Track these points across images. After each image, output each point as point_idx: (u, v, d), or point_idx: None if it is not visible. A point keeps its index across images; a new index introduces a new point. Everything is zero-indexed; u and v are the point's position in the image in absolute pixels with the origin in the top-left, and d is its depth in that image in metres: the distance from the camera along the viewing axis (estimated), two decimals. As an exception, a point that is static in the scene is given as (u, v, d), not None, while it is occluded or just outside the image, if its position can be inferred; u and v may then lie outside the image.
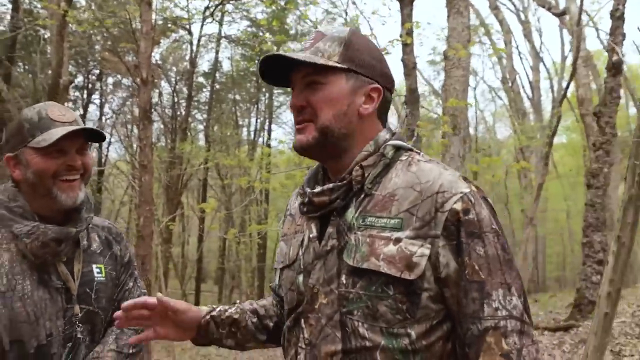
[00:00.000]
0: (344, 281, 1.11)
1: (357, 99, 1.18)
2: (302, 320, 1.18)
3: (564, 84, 18.92)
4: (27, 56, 15.54)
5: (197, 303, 19.73)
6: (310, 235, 1.21)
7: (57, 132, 1.45)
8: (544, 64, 24.02)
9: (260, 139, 21.85)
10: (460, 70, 7.42)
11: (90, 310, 1.54)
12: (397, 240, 1.08)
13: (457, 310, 1.07)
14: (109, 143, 21.85)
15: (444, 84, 7.87)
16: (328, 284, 1.13)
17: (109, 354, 1.58)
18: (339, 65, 1.16)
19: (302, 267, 1.20)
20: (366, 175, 1.17)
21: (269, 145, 21.22)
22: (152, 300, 1.25)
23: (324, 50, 1.17)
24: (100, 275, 1.59)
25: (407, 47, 6.58)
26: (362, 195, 1.16)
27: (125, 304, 1.25)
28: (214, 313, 1.36)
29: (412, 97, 6.44)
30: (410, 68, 6.53)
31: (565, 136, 24.18)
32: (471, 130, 22.24)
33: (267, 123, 21.60)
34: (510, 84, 17.75)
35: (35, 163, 1.47)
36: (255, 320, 1.39)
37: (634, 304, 8.02)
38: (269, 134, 21.71)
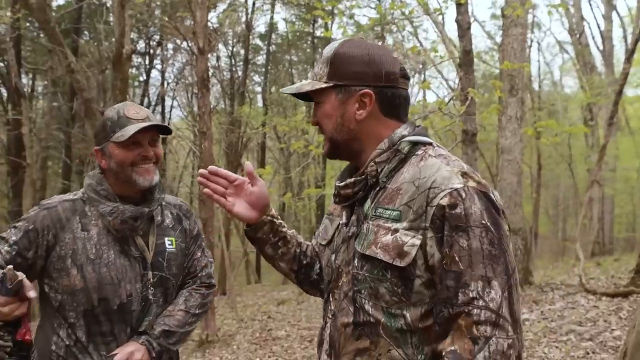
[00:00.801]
0: (356, 264, 1.28)
1: (349, 108, 1.31)
2: (331, 295, 1.37)
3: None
4: (91, 26, 16.19)
5: (258, 263, 20.54)
6: (341, 222, 1.39)
7: (132, 128, 1.75)
8: (617, 12, 22.39)
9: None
10: (519, 28, 7.16)
11: (163, 276, 1.84)
12: (395, 231, 1.21)
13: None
14: (171, 107, 22.63)
15: (502, 43, 7.61)
16: (347, 265, 1.31)
17: (179, 312, 1.90)
18: (323, 85, 1.32)
19: (335, 247, 1.39)
20: (379, 170, 1.29)
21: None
22: (233, 175, 1.46)
23: (317, 74, 1.34)
24: (171, 246, 1.88)
25: (461, 7, 6.40)
26: (378, 188, 1.30)
27: (211, 167, 1.48)
28: (275, 220, 1.52)
29: (467, 59, 6.30)
30: (464, 29, 6.37)
31: (639, 89, 22.65)
32: (535, 86, 21.30)
33: (323, 84, 21.52)
34: (578, 36, 16.76)
35: (116, 155, 1.78)
36: (297, 250, 1.56)
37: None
38: (326, 95, 21.67)
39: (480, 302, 1.12)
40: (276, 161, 21.90)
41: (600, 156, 7.51)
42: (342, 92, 1.31)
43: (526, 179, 17.41)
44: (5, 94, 19.59)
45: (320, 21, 19.56)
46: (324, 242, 1.48)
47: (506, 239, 1.19)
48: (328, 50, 1.34)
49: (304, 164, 12.31)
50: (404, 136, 1.31)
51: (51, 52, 12.31)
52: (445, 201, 1.16)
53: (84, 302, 1.72)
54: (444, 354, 1.15)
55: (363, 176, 1.31)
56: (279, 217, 1.54)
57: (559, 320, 5.91)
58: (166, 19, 15.44)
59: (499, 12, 18.93)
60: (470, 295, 1.13)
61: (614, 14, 18.44)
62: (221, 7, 16.90)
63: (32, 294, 1.49)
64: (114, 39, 13.81)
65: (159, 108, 20.98)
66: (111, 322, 1.74)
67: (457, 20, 6.35)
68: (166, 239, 1.88)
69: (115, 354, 1.71)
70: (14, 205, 16.09)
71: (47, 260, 1.74)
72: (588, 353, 4.79)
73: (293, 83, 22.16)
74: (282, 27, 23.98)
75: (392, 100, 1.32)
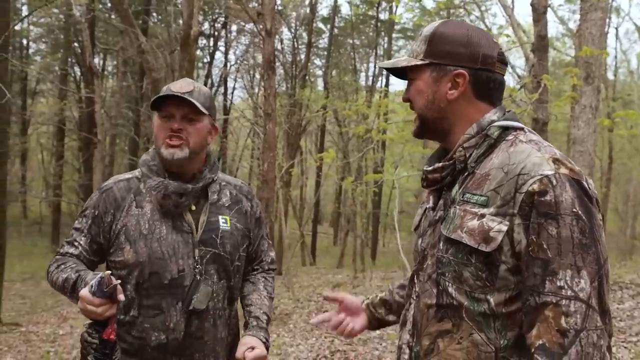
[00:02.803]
0: (441, 247, 1.27)
1: (442, 87, 1.31)
2: (416, 277, 1.38)
3: None
4: (160, 8, 16.66)
5: (314, 245, 20.75)
6: (427, 206, 1.40)
7: (165, 98, 1.76)
8: None
9: (378, 84, 21.71)
10: (599, 13, 6.78)
11: (216, 252, 1.81)
12: (481, 216, 1.20)
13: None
14: (234, 88, 23.05)
15: (579, 28, 7.24)
16: (433, 248, 1.31)
17: (267, 299, 1.97)
18: (419, 62, 1.33)
19: (421, 231, 1.40)
20: (468, 155, 1.28)
21: (386, 90, 21.07)
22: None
23: (413, 51, 1.36)
24: (225, 224, 1.86)
25: (538, -10, 6.13)
26: (466, 173, 1.28)
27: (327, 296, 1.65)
28: (367, 301, 1.64)
29: (541, 44, 6.05)
30: (540, 13, 6.11)
31: None
32: (610, 75, 20.21)
33: (385, 68, 21.28)
34: (660, 22, 15.68)
35: (155, 127, 1.81)
36: (402, 292, 1.62)
37: None
38: (387, 79, 21.46)
39: (569, 292, 1.10)
40: (335, 145, 21.94)
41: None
42: (436, 71, 1.31)
43: (596, 172, 16.65)
44: (78, 73, 20.58)
45: (384, 4, 19.28)
46: (413, 228, 1.49)
47: (598, 228, 1.15)
48: (428, 29, 1.35)
49: (365, 150, 12.25)
50: (493, 121, 1.29)
51: (123, 32, 12.78)
52: (534, 188, 1.14)
53: (136, 276, 1.74)
54: (532, 350, 1.13)
55: (451, 161, 1.30)
56: (375, 301, 1.67)
57: (629, 320, 5.67)
58: (231, 1, 15.68)
59: (573, -4, 18.00)
60: (558, 284, 1.11)
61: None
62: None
63: (121, 297, 1.55)
64: (180, 21, 14.21)
65: (221, 89, 21.45)
66: (161, 296, 1.74)
67: (532, 4, 6.09)
68: (220, 217, 1.86)
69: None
70: (85, 179, 16.96)
71: (110, 241, 1.79)
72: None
73: (355, 68, 22.18)
74: (345, 10, 23.81)
75: (487, 84, 1.30)
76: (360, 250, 15.99)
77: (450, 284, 1.24)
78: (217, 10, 18.82)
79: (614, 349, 4.89)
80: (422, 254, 1.35)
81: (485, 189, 1.22)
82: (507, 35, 7.18)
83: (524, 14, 31.55)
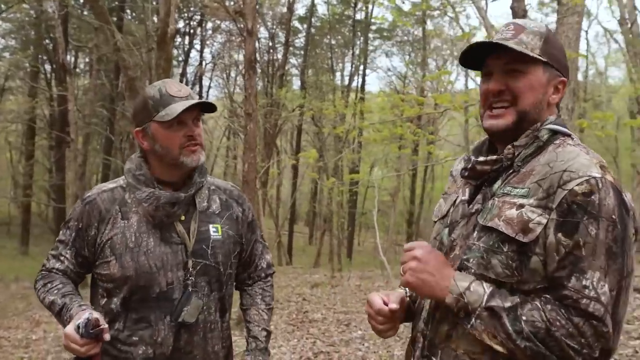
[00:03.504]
0: (475, 235, 1.27)
1: (549, 90, 1.31)
2: None
3: (694, 25, 16.88)
4: (135, 5, 16.38)
5: (290, 244, 20.71)
6: (462, 198, 1.37)
7: (177, 107, 1.65)
8: (671, 1, 21.38)
9: (354, 84, 21.80)
10: (575, 17, 6.93)
11: (207, 264, 1.73)
12: (521, 206, 1.20)
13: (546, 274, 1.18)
14: (209, 87, 22.85)
15: (556, 32, 7.39)
16: (465, 239, 1.30)
17: (265, 312, 1.92)
18: (541, 58, 1.28)
19: (449, 222, 1.38)
20: (517, 153, 1.28)
21: (363, 90, 21.17)
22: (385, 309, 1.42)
23: (527, 43, 1.28)
24: (216, 233, 1.76)
25: (518, -6, 6.23)
26: (511, 171, 1.29)
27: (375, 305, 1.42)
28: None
29: (520, 47, 6.14)
30: (520, 16, 6.20)
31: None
32: (579, 77, 20.69)
33: (361, 67, 21.41)
34: (629, 26, 16.15)
35: (162, 137, 1.68)
36: None
37: None
38: (364, 79, 21.57)
39: (592, 293, 1.12)
40: (311, 144, 21.94)
41: (653, 151, 7.26)
42: (548, 72, 1.30)
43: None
44: (49, 70, 20.09)
45: (360, 4, 19.37)
46: (435, 219, 1.48)
47: (630, 241, 1.17)
48: (537, 26, 1.31)
49: (345, 150, 12.27)
50: (547, 123, 1.30)
51: (97, 30, 12.52)
52: (581, 188, 1.15)
53: (123, 290, 1.68)
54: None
55: (501, 156, 1.30)
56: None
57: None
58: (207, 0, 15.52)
59: (547, 0, 18.36)
60: (584, 282, 1.13)
61: (667, 3, 17.67)
62: (262, -12, 16.88)
63: (107, 337, 1.53)
64: (156, 18, 13.99)
65: (196, 88, 21.22)
66: (149, 310, 1.68)
67: (512, 7, 6.19)
68: (211, 225, 1.77)
69: None
70: (56, 179, 16.59)
71: (95, 254, 1.73)
72: (637, 352, 4.70)
73: (332, 67, 22.15)
74: (321, 9, 23.82)
75: (563, 95, 1.34)
76: (337, 249, 16.03)
77: (473, 270, 1.24)
78: (192, 8, 18.61)
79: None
80: (450, 245, 1.34)
81: (527, 183, 1.22)
82: (490, 38, 7.29)
83: (496, 16, 32.15)
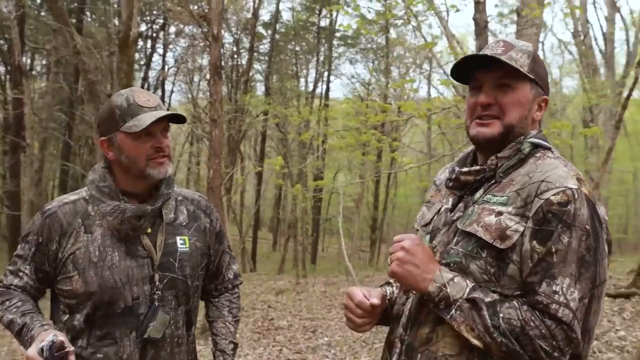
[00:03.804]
0: (453, 240, 1.31)
1: (534, 107, 1.36)
2: None
3: (642, 38, 17.71)
4: (95, 7, 16.02)
5: (254, 251, 20.56)
6: (446, 207, 1.41)
7: (145, 118, 1.61)
8: (621, 15, 22.42)
9: (318, 90, 21.88)
10: (534, 29, 7.16)
11: (174, 277, 1.69)
12: (499, 213, 1.24)
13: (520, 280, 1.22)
14: (171, 92, 22.51)
15: (515, 43, 7.62)
16: (445, 245, 1.33)
17: (232, 324, 1.90)
18: (530, 75, 1.33)
19: (431, 229, 1.41)
20: (499, 165, 1.32)
21: (327, 96, 21.27)
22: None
23: (516, 59, 1.32)
24: (183, 246, 1.73)
25: (479, 5, 6.41)
26: (493, 182, 1.33)
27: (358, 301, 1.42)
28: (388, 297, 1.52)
29: (482, 58, 6.31)
30: (481, 27, 6.38)
31: (637, 92, 22.78)
32: (536, 86, 21.28)
33: (326, 74, 21.51)
34: (582, 38, 16.80)
35: (129, 148, 1.64)
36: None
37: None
38: (328, 85, 21.67)
39: (562, 299, 1.16)
40: (275, 150, 21.88)
41: (607, 159, 7.59)
42: (534, 89, 1.35)
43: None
44: (2, 72, 19.38)
45: (325, 11, 19.49)
46: (417, 226, 1.51)
47: (602, 252, 1.21)
48: (525, 45, 1.36)
49: (311, 156, 12.28)
50: (530, 137, 1.34)
51: (56, 31, 12.17)
52: (557, 198, 1.20)
53: (86, 307, 1.63)
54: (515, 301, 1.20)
55: (484, 167, 1.34)
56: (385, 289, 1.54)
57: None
58: (170, 3, 15.31)
59: (506, 11, 18.92)
60: (554, 288, 1.17)
61: (617, 16, 18.49)
62: (227, -7, 16.76)
63: (72, 359, 1.49)
64: (116, 20, 13.70)
65: (158, 92, 20.86)
66: (114, 326, 1.63)
67: (474, 19, 6.36)
68: (178, 238, 1.73)
69: None
70: (11, 185, 15.98)
71: (57, 269, 1.66)
72: (595, 352, 4.87)
73: (297, 73, 22.12)
74: (286, 16, 23.84)
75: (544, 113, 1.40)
76: (301, 255, 16.01)
77: None
78: (155, 11, 18.33)
79: None
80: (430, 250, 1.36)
81: (507, 192, 1.27)
82: (432, 45, 7.37)
83: (457, 26, 32.96)
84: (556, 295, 1.16)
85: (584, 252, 1.18)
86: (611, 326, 5.54)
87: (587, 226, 1.19)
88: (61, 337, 1.49)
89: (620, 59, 21.20)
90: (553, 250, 1.18)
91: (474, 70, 1.36)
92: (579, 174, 1.27)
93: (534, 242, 1.19)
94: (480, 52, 1.35)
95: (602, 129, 12.11)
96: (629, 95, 7.42)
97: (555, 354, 1.16)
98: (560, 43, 22.41)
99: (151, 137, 1.64)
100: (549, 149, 1.34)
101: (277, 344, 6.69)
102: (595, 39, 18.99)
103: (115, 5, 13.17)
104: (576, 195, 1.20)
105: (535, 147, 1.33)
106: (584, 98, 16.08)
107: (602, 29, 19.17)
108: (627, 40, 18.79)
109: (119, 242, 1.65)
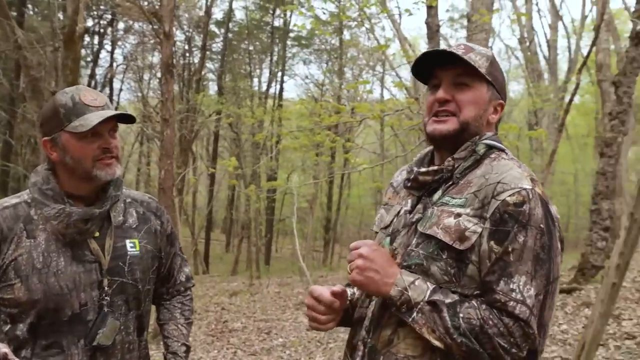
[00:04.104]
0: (414, 242, 1.33)
1: (489, 108, 1.40)
2: None
3: (582, 44, 18.61)
4: (37, 0, 15.38)
5: (206, 252, 20.26)
6: (405, 208, 1.42)
7: (92, 117, 1.55)
8: (563, 23, 23.49)
9: (272, 90, 21.81)
10: (483, 34, 7.38)
11: (124, 281, 1.64)
12: (458, 215, 1.27)
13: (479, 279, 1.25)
14: (120, 90, 21.89)
15: (464, 47, 7.83)
16: (405, 247, 1.35)
17: (184, 326, 1.85)
18: (487, 77, 1.37)
19: (391, 231, 1.42)
20: (456, 166, 1.35)
21: (281, 97, 21.22)
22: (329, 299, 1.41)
23: (475, 61, 1.35)
24: (133, 249, 1.68)
25: (432, 9, 6.55)
26: (450, 183, 1.35)
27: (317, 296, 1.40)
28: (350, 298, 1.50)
29: (434, 61, 6.45)
30: (433, 31, 6.52)
31: (578, 97, 23.89)
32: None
33: (279, 74, 21.46)
34: (527, 44, 17.48)
35: (74, 149, 1.57)
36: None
37: (634, 269, 8.26)
38: (282, 86, 21.62)
39: (519, 296, 1.20)
40: (228, 150, 21.65)
41: (550, 161, 7.91)
42: (491, 91, 1.38)
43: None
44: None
45: (279, 11, 19.44)
46: (377, 229, 1.51)
47: (555, 249, 1.26)
48: (484, 49, 1.40)
49: (266, 156, 12.20)
50: (485, 138, 1.37)
51: (-4, 25, 11.60)
52: (513, 199, 1.23)
53: (30, 315, 1.54)
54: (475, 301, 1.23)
55: (442, 166, 1.36)
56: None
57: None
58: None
59: (457, 16, 19.43)
60: (511, 286, 1.21)
61: (559, 24, 19.33)
62: (178, -10, 16.45)
63: None
64: (61, 15, 13.19)
65: (106, 90, 20.25)
66: (60, 334, 1.56)
67: (427, 22, 6.49)
68: (128, 241, 1.67)
69: None
70: (-54, 186, 15.12)
71: None
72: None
73: (250, 73, 21.93)
74: (239, 15, 23.63)
75: (500, 117, 1.43)
76: (255, 256, 15.90)
77: None
78: (103, 6, 17.78)
79: None
80: (391, 253, 1.37)
81: (465, 193, 1.30)
82: (385, 47, 7.52)
83: (410, 29, 33.63)
84: (513, 293, 1.20)
85: (538, 250, 1.23)
86: (554, 320, 5.78)
87: (541, 225, 1.23)
88: (3, 348, 1.43)
89: (563, 65, 22.23)
90: (510, 249, 1.22)
91: (433, 69, 1.39)
92: (533, 174, 1.32)
93: (492, 242, 1.23)
94: (452, 50, 1.36)
95: (546, 132, 12.64)
96: (571, 100, 7.76)
97: (513, 350, 1.19)
98: (507, 48, 23.23)
99: (98, 138, 1.58)
100: (503, 150, 1.38)
101: (231, 347, 6.61)
102: (540, 46, 19.85)
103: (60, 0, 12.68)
104: (530, 196, 1.24)
105: (490, 148, 1.37)
106: (529, 102, 16.74)
107: (546, 36, 20.00)
108: (569, 48, 19.68)
109: (65, 247, 1.58)
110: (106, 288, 1.60)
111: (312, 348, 6.10)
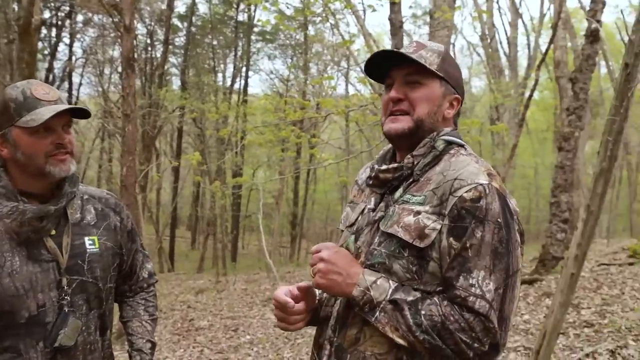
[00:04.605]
0: (376, 241, 1.33)
1: (444, 104, 1.39)
2: None
3: (541, 41, 19.10)
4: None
5: (172, 250, 19.96)
6: (369, 206, 1.43)
7: (44, 112, 1.50)
8: (522, 20, 24.04)
9: (237, 85, 21.60)
10: (445, 30, 7.48)
11: (84, 280, 1.60)
12: (417, 213, 1.28)
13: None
14: (80, 84, 21.29)
15: (428, 43, 7.92)
16: (368, 246, 1.35)
17: (149, 322, 1.81)
18: (438, 73, 1.37)
19: (355, 229, 1.42)
20: (416, 163, 1.36)
21: (245, 92, 21.05)
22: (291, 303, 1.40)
23: (426, 58, 1.37)
24: (92, 246, 1.64)
25: (395, 6, 6.60)
26: (411, 180, 1.36)
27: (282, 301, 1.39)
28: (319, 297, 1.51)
29: (398, 57, 6.51)
30: (397, 27, 6.57)
31: (537, 93, 24.54)
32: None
33: (244, 69, 21.27)
34: (489, 41, 17.83)
35: (25, 144, 1.52)
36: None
37: (592, 259, 8.56)
38: (246, 81, 21.44)
39: (478, 291, 1.22)
40: (192, 146, 21.35)
41: (511, 155, 8.09)
42: (444, 87, 1.38)
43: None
44: None
45: (242, 6, 19.26)
46: (342, 227, 1.51)
47: (514, 242, 1.27)
48: (436, 45, 1.40)
49: (230, 152, 12.09)
50: (444, 134, 1.38)
51: (-55, 16, 11.10)
52: (469, 195, 1.24)
53: None
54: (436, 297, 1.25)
55: (402, 164, 1.37)
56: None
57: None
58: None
59: (419, 13, 19.64)
60: (470, 281, 1.22)
61: (519, 22, 19.79)
62: (139, -18, 16.08)
63: None
64: (15, 6, 12.71)
65: (65, 85, 19.67)
66: (17, 337, 1.50)
67: (390, 19, 6.53)
68: (86, 238, 1.63)
69: None
70: None
71: None
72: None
73: (214, 68, 21.66)
74: (202, 8, 23.27)
75: (459, 112, 1.44)
76: (221, 253, 15.77)
77: None
78: (60, -1, 17.23)
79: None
80: (356, 252, 1.37)
81: (424, 191, 1.30)
82: (350, 42, 7.57)
83: (374, 25, 33.86)
84: (472, 288, 1.21)
85: (496, 244, 1.24)
86: (517, 310, 5.93)
87: (498, 219, 1.25)
88: None
89: (523, 61, 22.77)
90: (467, 245, 1.23)
91: (388, 68, 1.40)
92: (490, 169, 1.33)
93: (451, 239, 1.24)
94: (401, 50, 1.38)
95: (507, 127, 12.92)
96: (531, 95, 7.96)
97: (475, 344, 1.21)
98: (469, 45, 23.62)
99: (51, 133, 1.53)
100: (462, 145, 1.39)
101: (197, 345, 6.54)
102: (501, 43, 20.23)
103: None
104: (487, 191, 1.25)
105: (449, 144, 1.38)
106: (491, 97, 17.11)
107: (506, 34, 20.44)
108: (529, 45, 20.20)
109: (19, 246, 1.53)
110: (65, 287, 1.56)
111: (280, 344, 6.09)
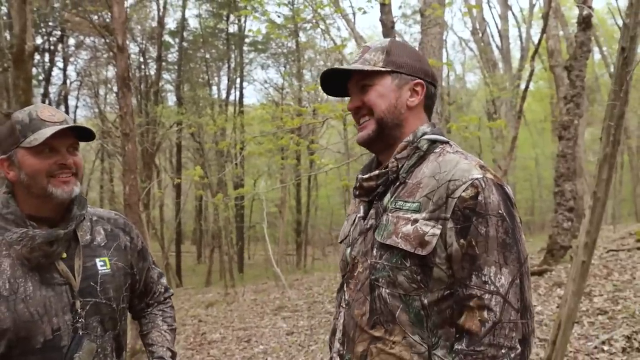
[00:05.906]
0: (375, 253, 1.32)
1: (403, 94, 1.39)
2: (345, 285, 1.41)
3: (532, 32, 19.14)
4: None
5: (178, 266, 19.92)
6: (359, 215, 1.43)
7: (47, 131, 1.51)
8: (512, 12, 24.09)
9: (232, 97, 21.63)
10: (437, 28, 7.49)
11: (97, 302, 1.60)
12: (415, 221, 1.27)
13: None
14: (76, 107, 21.34)
15: (421, 41, 7.93)
16: (365, 256, 1.35)
17: (168, 332, 1.81)
18: (382, 69, 1.37)
19: (350, 241, 1.42)
20: (400, 166, 1.35)
21: (241, 103, 21.07)
22: None
23: (370, 60, 1.40)
24: (104, 267, 1.64)
25: (385, 7, 6.60)
26: (398, 183, 1.35)
27: None
28: None
29: (392, 57, 6.51)
30: (388, 28, 6.57)
31: (532, 83, 24.54)
32: (443, 82, 22.38)
33: (238, 81, 21.31)
34: (480, 35, 17.86)
35: (28, 164, 1.53)
36: None
37: (600, 246, 8.53)
38: (241, 92, 21.48)
39: (492, 287, 1.21)
40: (191, 160, 21.36)
41: (512, 147, 8.07)
42: (397, 78, 1.38)
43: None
44: None
45: (232, 17, 19.31)
46: (340, 240, 1.52)
47: (519, 229, 1.27)
48: (380, 42, 1.42)
49: (231, 164, 12.08)
50: (425, 133, 1.37)
51: (-62, 48, 11.14)
52: (467, 193, 1.24)
53: (0, 346, 1.47)
54: (459, 334, 1.24)
55: (385, 170, 1.36)
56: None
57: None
58: (67, 14, 14.52)
59: (409, 12, 19.68)
60: (483, 278, 1.21)
61: (509, 14, 19.85)
62: (129, 1, 16.16)
63: None
64: (7, 34, 12.74)
65: (62, 108, 19.70)
66: None
67: (381, 20, 6.54)
68: (97, 260, 1.63)
69: None
70: None
71: None
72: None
73: (208, 81, 21.71)
74: (193, 23, 23.34)
75: (432, 97, 1.42)
76: (228, 265, 15.74)
77: (384, 289, 1.28)
78: (51, 23, 17.29)
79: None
80: (352, 262, 1.37)
81: (417, 196, 1.29)
82: (342, 47, 7.65)
83: (365, 27, 33.95)
84: (487, 285, 1.21)
85: (502, 236, 1.23)
86: (529, 303, 5.91)
87: (499, 211, 1.24)
88: None
89: (516, 53, 22.79)
90: (473, 242, 1.22)
91: (345, 82, 1.45)
92: (480, 161, 1.32)
93: (460, 240, 1.23)
94: (335, 67, 1.44)
95: (504, 120, 12.92)
96: (527, 86, 7.94)
97: (512, 354, 1.20)
98: (460, 41, 23.65)
99: (55, 154, 1.54)
100: (447, 142, 1.38)
101: (211, 358, 6.52)
102: (492, 36, 20.27)
103: (5, 18, 12.26)
104: (483, 184, 1.25)
105: (433, 142, 1.37)
106: (487, 91, 17.10)
107: (497, 27, 20.48)
108: (520, 36, 20.25)
109: (32, 272, 1.52)
110: (79, 310, 1.55)
111: (294, 352, 6.06)
